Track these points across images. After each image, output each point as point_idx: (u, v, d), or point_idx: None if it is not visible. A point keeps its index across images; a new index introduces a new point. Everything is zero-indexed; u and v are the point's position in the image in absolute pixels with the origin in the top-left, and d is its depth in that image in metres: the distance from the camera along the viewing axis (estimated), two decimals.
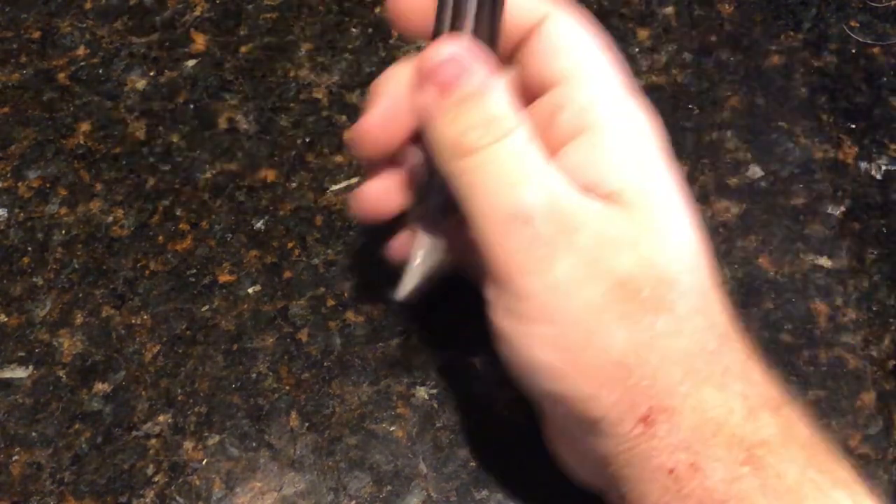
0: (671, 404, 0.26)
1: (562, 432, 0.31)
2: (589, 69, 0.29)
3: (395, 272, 0.33)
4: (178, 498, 0.34)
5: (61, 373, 0.37)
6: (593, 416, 0.27)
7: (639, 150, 0.29)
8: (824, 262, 0.39)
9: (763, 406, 0.27)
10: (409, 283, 0.32)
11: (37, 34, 0.47)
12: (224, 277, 0.39)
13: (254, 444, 0.35)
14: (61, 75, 0.45)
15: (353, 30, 0.47)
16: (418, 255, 0.32)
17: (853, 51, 0.46)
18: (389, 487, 0.34)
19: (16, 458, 0.35)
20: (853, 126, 0.43)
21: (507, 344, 0.28)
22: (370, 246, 0.39)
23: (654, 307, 0.27)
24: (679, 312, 0.27)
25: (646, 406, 0.26)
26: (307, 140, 0.43)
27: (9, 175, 0.42)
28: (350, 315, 0.38)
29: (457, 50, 0.28)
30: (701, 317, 0.27)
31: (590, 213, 0.27)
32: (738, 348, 0.28)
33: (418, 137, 0.31)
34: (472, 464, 0.34)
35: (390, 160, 0.32)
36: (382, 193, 0.32)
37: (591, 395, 0.26)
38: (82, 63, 0.46)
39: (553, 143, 0.28)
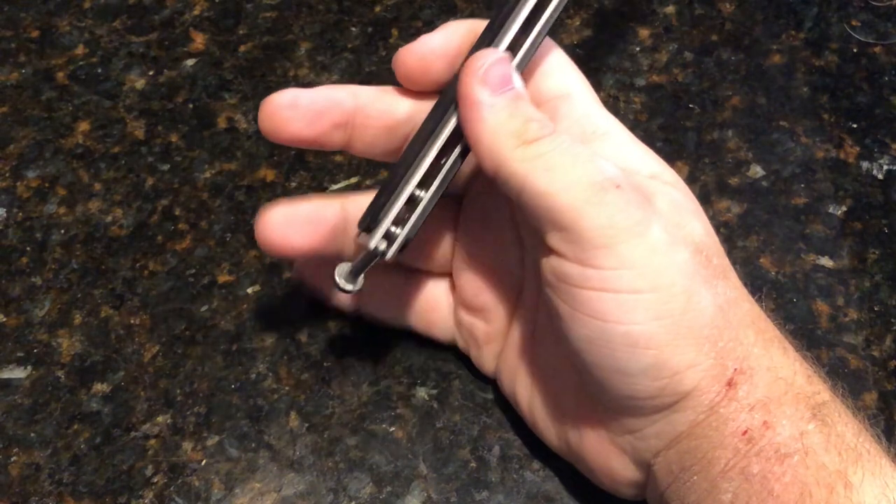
0: (749, 365, 0.28)
1: (609, 435, 0.30)
2: (575, 87, 0.31)
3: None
4: (177, 499, 0.34)
5: (60, 373, 0.36)
6: (686, 388, 0.27)
7: (646, 147, 0.31)
8: (826, 261, 0.39)
9: (816, 373, 0.28)
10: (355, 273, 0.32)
11: (35, 33, 0.47)
12: (223, 277, 0.39)
13: (253, 445, 0.35)
14: (60, 74, 0.45)
15: (353, 29, 0.47)
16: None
17: (854, 50, 0.46)
18: (389, 488, 0.34)
19: (14, 458, 0.34)
20: (855, 125, 0.43)
21: (599, 326, 0.27)
22: None
23: (723, 274, 0.28)
24: (735, 282, 0.29)
25: (732, 369, 0.27)
26: None
27: (7, 175, 0.42)
28: (350, 315, 0.38)
29: (503, 54, 0.30)
30: (746, 289, 0.30)
31: (655, 184, 0.29)
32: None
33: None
34: (472, 464, 0.34)
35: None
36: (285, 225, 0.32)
37: (690, 362, 0.27)
38: (81, 62, 0.46)
39: None
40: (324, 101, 0.32)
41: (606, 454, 0.30)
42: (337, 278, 0.32)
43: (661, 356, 0.27)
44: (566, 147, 0.28)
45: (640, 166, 0.30)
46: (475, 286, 0.34)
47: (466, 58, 0.30)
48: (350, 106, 0.32)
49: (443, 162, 0.31)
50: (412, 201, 0.31)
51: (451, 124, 0.30)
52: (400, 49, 0.31)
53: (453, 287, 0.36)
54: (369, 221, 0.32)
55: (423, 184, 0.31)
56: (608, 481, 0.31)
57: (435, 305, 0.36)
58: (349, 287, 0.32)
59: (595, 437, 0.31)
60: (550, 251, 0.28)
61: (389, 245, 0.31)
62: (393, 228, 0.31)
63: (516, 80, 0.29)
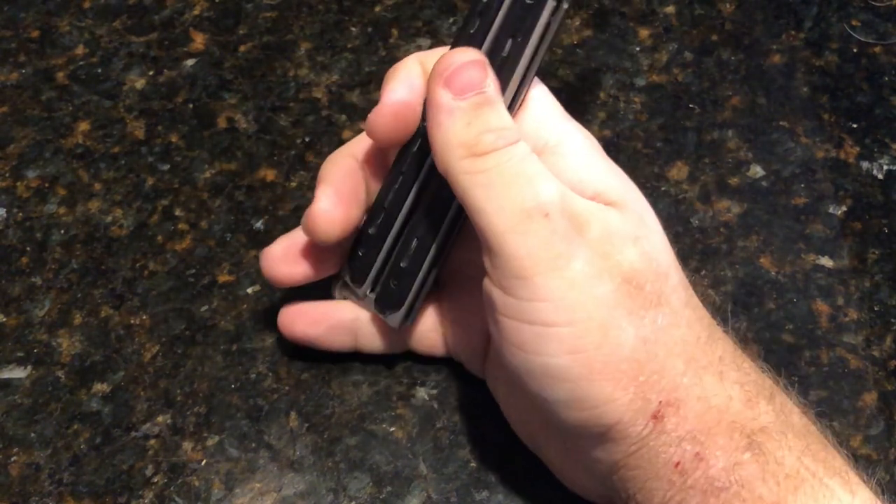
0: (677, 396, 0.27)
1: (567, 451, 0.31)
2: (529, 97, 0.30)
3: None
4: (177, 499, 0.34)
5: (60, 373, 0.36)
6: (608, 421, 0.27)
7: (601, 159, 0.30)
8: (826, 261, 0.39)
9: (758, 394, 0.27)
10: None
11: (35, 33, 0.47)
12: (223, 277, 0.39)
13: (253, 445, 0.35)
14: (60, 74, 0.45)
15: (353, 29, 0.47)
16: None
17: (854, 50, 0.46)
18: (389, 488, 0.34)
19: (14, 458, 0.34)
20: (855, 125, 0.43)
21: (519, 355, 0.27)
22: None
23: (656, 301, 0.27)
24: (674, 305, 0.28)
25: (656, 402, 0.27)
26: (307, 139, 0.43)
27: (7, 175, 0.42)
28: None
29: (477, 56, 0.28)
30: (690, 309, 0.28)
31: (593, 209, 0.28)
32: (725, 338, 0.29)
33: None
34: (472, 464, 0.34)
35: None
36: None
37: (608, 397, 0.27)
38: (81, 62, 0.46)
39: None
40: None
41: (571, 468, 0.31)
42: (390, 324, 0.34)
43: (576, 390, 0.27)
44: (513, 164, 0.27)
45: (587, 182, 0.29)
46: (457, 294, 0.35)
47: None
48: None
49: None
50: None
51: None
52: (370, 115, 0.30)
53: (439, 302, 0.36)
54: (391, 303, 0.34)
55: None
56: (580, 491, 0.32)
57: (430, 328, 0.36)
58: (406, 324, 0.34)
59: (558, 452, 0.31)
60: (485, 272, 0.28)
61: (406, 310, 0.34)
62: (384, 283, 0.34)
63: (489, 84, 0.28)
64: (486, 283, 0.28)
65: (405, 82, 0.30)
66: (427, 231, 0.32)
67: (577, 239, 0.27)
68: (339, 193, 0.32)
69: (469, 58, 0.28)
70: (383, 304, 0.34)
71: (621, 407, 0.27)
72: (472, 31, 0.29)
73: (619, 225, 0.28)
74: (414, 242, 0.32)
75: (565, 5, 0.28)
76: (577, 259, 0.27)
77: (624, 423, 0.27)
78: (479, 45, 0.29)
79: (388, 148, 0.32)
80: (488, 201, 0.27)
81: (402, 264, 0.33)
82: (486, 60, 0.28)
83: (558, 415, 0.28)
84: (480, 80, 0.28)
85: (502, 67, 0.29)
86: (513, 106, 0.29)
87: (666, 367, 0.27)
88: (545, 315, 0.27)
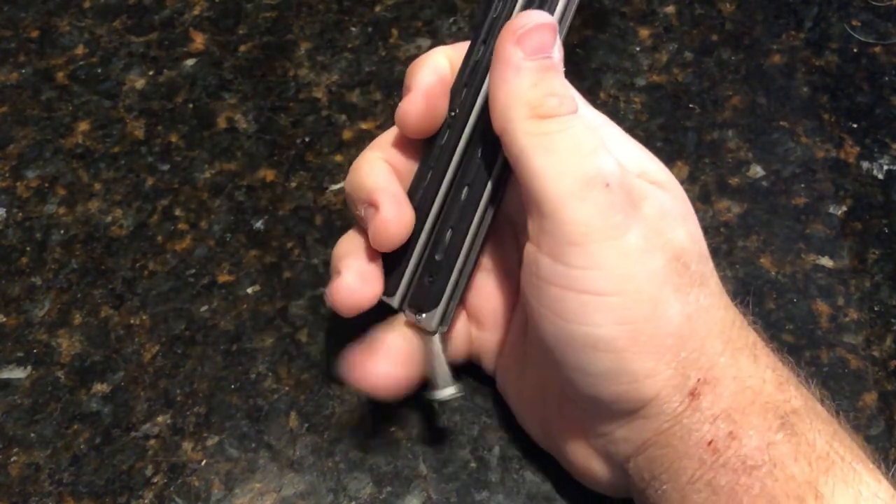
0: (714, 375, 0.27)
1: (585, 435, 0.31)
2: None
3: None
4: (176, 499, 0.34)
5: (60, 373, 0.36)
6: (646, 396, 0.27)
7: (638, 144, 0.30)
8: (826, 262, 0.39)
9: (788, 380, 0.28)
10: (443, 381, 0.33)
11: (35, 33, 0.47)
12: (223, 277, 0.39)
13: (253, 445, 0.35)
14: (60, 74, 0.45)
15: (353, 29, 0.47)
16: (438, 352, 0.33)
17: (855, 50, 0.46)
18: (389, 488, 0.34)
19: (14, 458, 0.34)
20: (855, 125, 0.43)
21: (561, 324, 0.27)
22: None
23: (700, 281, 0.28)
24: (713, 288, 0.29)
25: (695, 379, 0.27)
26: (307, 139, 0.43)
27: (7, 175, 0.42)
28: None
29: (550, 20, 0.29)
30: (726, 295, 0.29)
31: (648, 187, 0.28)
32: (752, 327, 0.30)
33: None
34: (472, 464, 0.34)
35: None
36: (361, 282, 0.32)
37: (650, 371, 0.27)
38: (81, 62, 0.46)
39: None
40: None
41: (585, 454, 0.31)
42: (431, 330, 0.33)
43: (619, 361, 0.27)
44: (574, 132, 0.28)
45: (631, 163, 0.29)
46: (478, 289, 0.34)
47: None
48: None
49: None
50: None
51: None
52: (402, 104, 0.31)
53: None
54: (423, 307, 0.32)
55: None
56: (589, 480, 0.32)
57: (458, 331, 0.35)
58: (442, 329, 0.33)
59: (574, 437, 0.31)
60: (529, 238, 0.28)
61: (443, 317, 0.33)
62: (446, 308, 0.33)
63: (556, 50, 0.28)
64: (531, 249, 0.28)
65: (434, 71, 0.31)
66: (461, 219, 0.31)
67: (634, 212, 0.27)
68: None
69: (543, 20, 0.29)
70: (419, 304, 0.32)
71: (660, 382, 0.27)
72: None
73: (671, 205, 0.29)
74: (448, 233, 0.32)
75: None
76: (632, 232, 0.27)
77: (661, 398, 0.27)
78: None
79: (415, 138, 0.32)
80: (549, 165, 0.27)
81: (436, 257, 0.32)
82: (556, 26, 0.29)
83: (594, 388, 0.28)
84: (550, 44, 0.28)
85: None
86: None
87: (706, 345, 0.27)
88: (596, 284, 0.27)
